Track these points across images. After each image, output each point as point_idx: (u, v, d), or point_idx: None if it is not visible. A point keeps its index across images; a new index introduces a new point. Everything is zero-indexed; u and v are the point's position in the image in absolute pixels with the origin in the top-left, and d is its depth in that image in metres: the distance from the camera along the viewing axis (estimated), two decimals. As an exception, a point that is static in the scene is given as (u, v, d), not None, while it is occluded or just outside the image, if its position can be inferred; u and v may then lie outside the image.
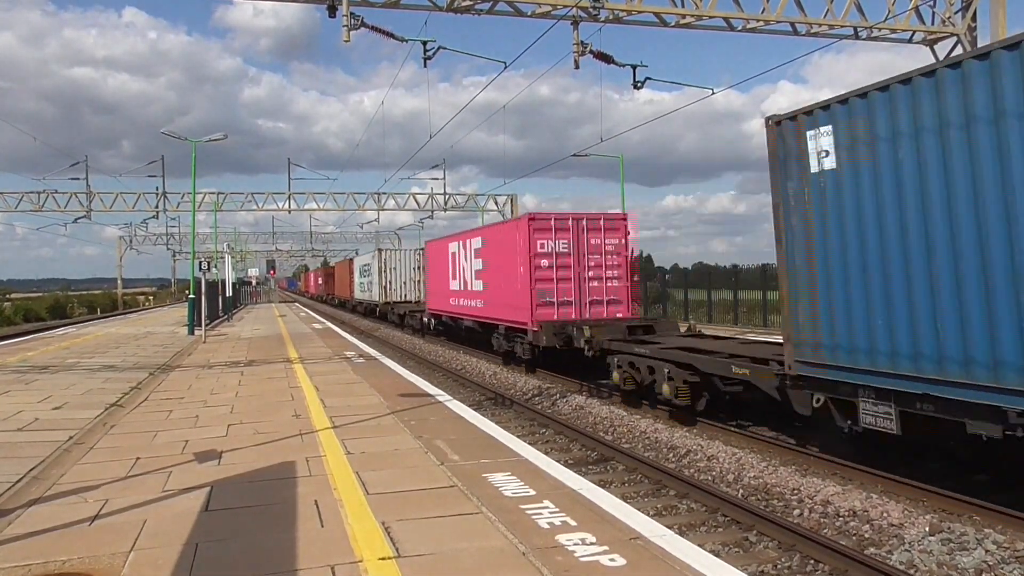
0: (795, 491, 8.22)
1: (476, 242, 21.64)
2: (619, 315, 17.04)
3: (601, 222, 17.45)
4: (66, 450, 7.51)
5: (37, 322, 54.47)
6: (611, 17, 18.44)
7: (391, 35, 15.39)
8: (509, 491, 5.63)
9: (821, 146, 8.26)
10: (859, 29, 20.63)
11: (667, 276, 33.86)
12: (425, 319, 28.52)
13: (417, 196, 55.06)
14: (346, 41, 15.21)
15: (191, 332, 24.98)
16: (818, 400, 8.65)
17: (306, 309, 55.25)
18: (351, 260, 53.50)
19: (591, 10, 17.10)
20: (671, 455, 10.28)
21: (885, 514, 7.23)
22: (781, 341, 9.38)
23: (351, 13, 15.19)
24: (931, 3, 20.57)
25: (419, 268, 35.60)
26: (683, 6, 19.00)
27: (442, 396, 10.53)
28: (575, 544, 4.48)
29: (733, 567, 4.25)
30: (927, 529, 6.81)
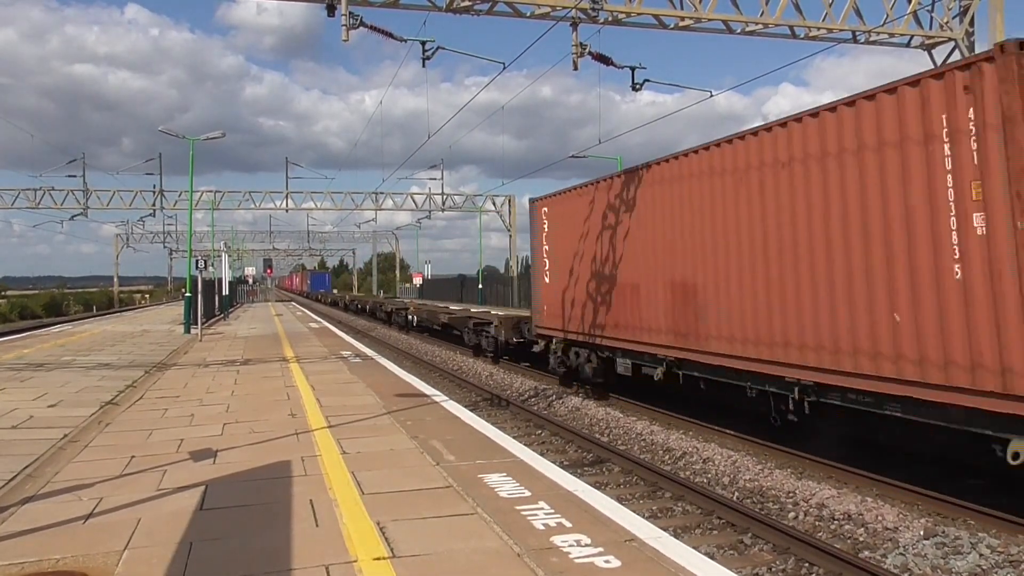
0: (790, 494, 8.23)
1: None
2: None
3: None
4: (61, 448, 7.49)
5: (33, 319, 54.43)
6: (610, 19, 18.43)
7: (390, 35, 15.37)
8: (505, 492, 5.63)
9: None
10: (857, 33, 20.65)
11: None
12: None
13: (415, 196, 55.12)
14: (345, 40, 15.17)
15: (187, 330, 24.94)
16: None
17: (303, 308, 55.21)
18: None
19: (590, 12, 17.09)
20: (667, 457, 10.28)
21: (880, 518, 7.24)
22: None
23: (350, 12, 15.17)
24: (929, 8, 20.62)
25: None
26: (682, 8, 19.02)
27: (438, 396, 10.52)
28: (570, 545, 4.48)
29: (728, 570, 4.25)
30: (922, 533, 6.82)
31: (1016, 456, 6.47)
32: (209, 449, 7.30)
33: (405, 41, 15.37)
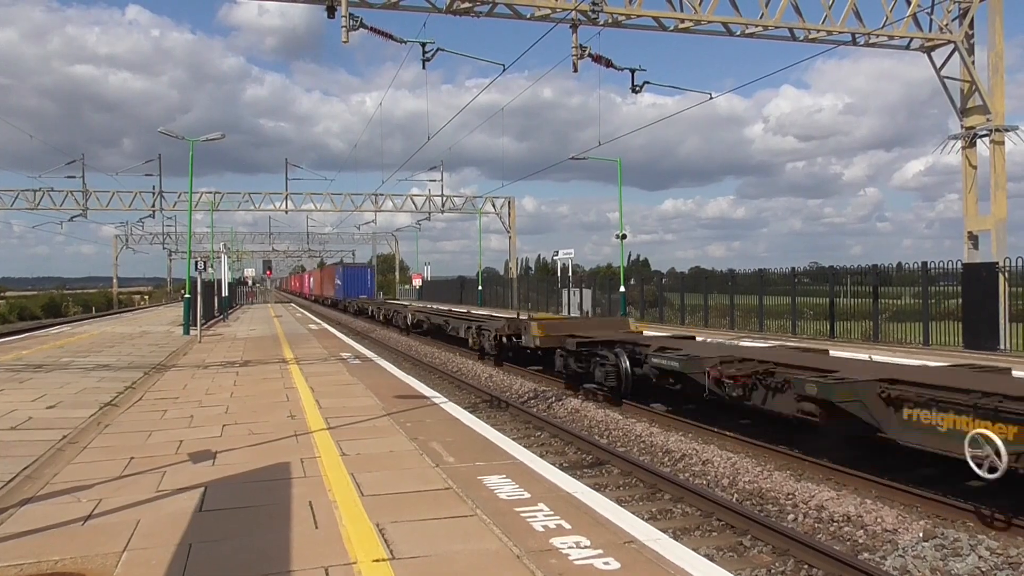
0: (789, 496, 8.23)
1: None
2: None
3: None
4: (59, 449, 7.49)
5: (32, 320, 54.41)
6: (610, 21, 18.47)
7: (390, 36, 15.40)
8: (504, 494, 5.63)
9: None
10: (857, 35, 20.69)
11: (663, 280, 33.90)
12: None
13: (415, 198, 55.19)
14: (345, 42, 15.22)
15: (186, 332, 24.93)
16: None
17: (302, 310, 55.17)
18: None
19: (590, 13, 17.13)
20: (666, 459, 10.28)
21: (879, 519, 7.23)
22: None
23: (350, 14, 15.21)
24: (929, 10, 20.65)
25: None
26: (682, 10, 19.05)
27: (438, 398, 10.52)
28: (569, 547, 4.48)
29: (727, 571, 4.25)
30: (921, 535, 6.82)
31: None
32: (208, 451, 7.30)
33: (405, 43, 15.40)
